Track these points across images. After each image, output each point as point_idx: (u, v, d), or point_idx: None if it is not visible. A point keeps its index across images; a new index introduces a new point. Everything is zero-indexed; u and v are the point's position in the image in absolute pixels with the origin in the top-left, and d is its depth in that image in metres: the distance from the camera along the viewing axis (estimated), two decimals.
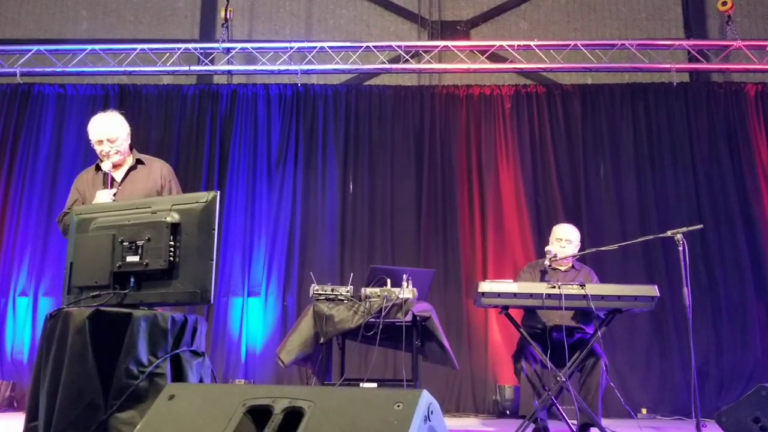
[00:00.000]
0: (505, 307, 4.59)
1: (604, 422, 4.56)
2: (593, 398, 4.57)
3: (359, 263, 7.36)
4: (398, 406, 2.09)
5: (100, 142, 3.99)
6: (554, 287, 4.39)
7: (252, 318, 7.37)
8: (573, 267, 5.18)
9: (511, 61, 7.71)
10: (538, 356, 4.61)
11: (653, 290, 4.38)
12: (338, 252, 7.53)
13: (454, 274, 7.43)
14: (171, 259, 2.75)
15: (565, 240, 5.11)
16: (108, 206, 3.12)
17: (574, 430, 4.69)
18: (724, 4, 7.61)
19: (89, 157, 7.70)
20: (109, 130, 4.01)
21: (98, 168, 4.03)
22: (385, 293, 4.48)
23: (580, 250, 5.28)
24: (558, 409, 4.68)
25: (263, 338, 7.33)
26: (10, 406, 6.89)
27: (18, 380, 7.10)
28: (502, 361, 7.07)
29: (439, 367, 5.28)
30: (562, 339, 4.57)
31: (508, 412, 6.76)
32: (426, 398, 2.15)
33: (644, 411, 6.81)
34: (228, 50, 7.80)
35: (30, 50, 7.78)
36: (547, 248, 5.10)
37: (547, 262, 5.03)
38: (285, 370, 6.54)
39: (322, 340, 4.49)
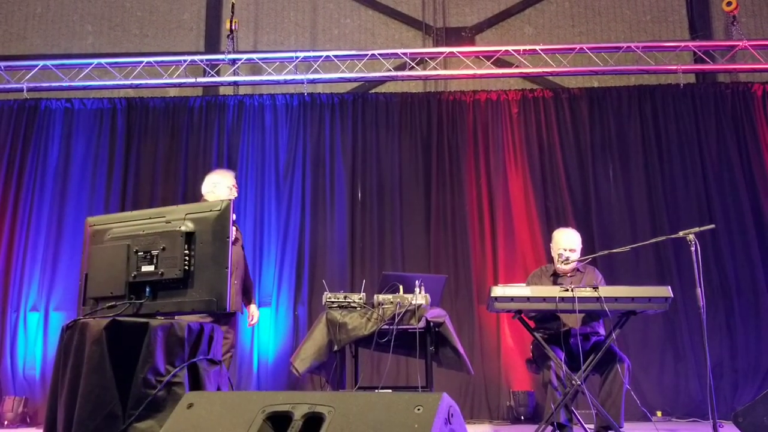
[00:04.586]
0: (519, 312, 4.58)
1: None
2: (615, 400, 4.52)
3: (369, 271, 7.34)
4: (418, 409, 2.08)
5: (235, 186, 4.98)
6: (567, 290, 4.36)
7: (263, 328, 7.35)
8: (577, 270, 5.13)
9: (517, 66, 7.72)
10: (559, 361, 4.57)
11: (667, 291, 4.35)
12: (348, 260, 7.51)
13: (465, 279, 7.40)
14: (186, 267, 2.75)
15: (569, 250, 5.03)
16: (122, 217, 3.12)
17: None
18: (729, 4, 7.60)
19: (98, 172, 7.77)
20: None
21: None
22: (398, 300, 4.47)
23: (590, 252, 5.25)
24: (574, 414, 4.65)
25: (275, 349, 7.31)
26: (23, 421, 6.88)
27: (31, 396, 7.10)
28: (515, 366, 7.04)
29: (452, 373, 5.27)
30: (578, 344, 4.55)
31: (522, 417, 6.72)
32: (446, 401, 2.14)
33: (659, 414, 6.77)
34: (234, 61, 7.82)
35: (36, 65, 7.82)
36: (558, 253, 5.06)
37: (559, 266, 5.01)
38: (298, 380, 6.51)
39: (335, 348, 4.47)
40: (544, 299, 4.40)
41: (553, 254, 5.18)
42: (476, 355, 7.07)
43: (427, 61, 7.99)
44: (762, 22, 8.29)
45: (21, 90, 7.73)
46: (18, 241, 7.63)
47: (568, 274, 5.06)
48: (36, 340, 7.37)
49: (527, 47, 7.69)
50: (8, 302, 7.47)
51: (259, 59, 7.89)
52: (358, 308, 4.53)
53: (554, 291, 4.40)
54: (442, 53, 7.84)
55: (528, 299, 4.41)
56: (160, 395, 2.60)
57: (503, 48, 7.72)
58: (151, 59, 7.81)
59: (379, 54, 7.76)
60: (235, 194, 4.92)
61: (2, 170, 7.82)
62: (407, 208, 7.68)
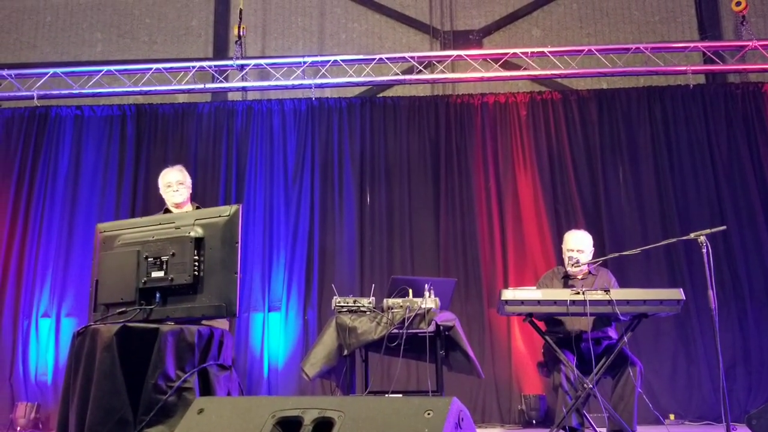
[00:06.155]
0: (529, 315, 4.55)
1: None
2: (627, 404, 4.49)
3: (379, 275, 7.33)
4: (429, 413, 2.08)
5: (178, 182, 4.53)
6: (578, 293, 4.34)
7: (273, 333, 7.36)
8: (590, 272, 5.09)
9: (525, 69, 7.70)
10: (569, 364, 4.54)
11: (679, 293, 4.32)
12: (357, 264, 7.51)
13: (475, 283, 7.39)
14: (195, 273, 2.76)
15: (577, 251, 5.00)
16: (132, 223, 3.13)
17: None
18: (738, 4, 7.55)
19: (108, 178, 7.81)
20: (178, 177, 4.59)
21: (166, 212, 4.50)
22: (408, 303, 4.45)
23: (600, 255, 5.21)
24: (586, 417, 4.62)
25: (285, 353, 7.31)
26: (35, 427, 6.90)
27: (42, 402, 7.11)
28: (526, 370, 7.02)
29: (462, 377, 5.24)
30: (589, 348, 4.52)
31: (534, 421, 6.70)
32: (456, 406, 2.13)
33: (672, 417, 6.73)
34: (242, 67, 7.83)
35: (46, 73, 7.85)
36: (567, 255, 5.04)
37: (569, 269, 4.98)
38: (308, 384, 6.52)
39: (345, 353, 4.46)
40: (555, 302, 4.37)
41: (563, 256, 5.16)
42: (487, 358, 7.05)
43: (434, 64, 7.98)
44: None
45: (31, 98, 7.77)
46: (29, 248, 7.67)
47: (580, 277, 5.03)
48: (48, 347, 7.40)
49: (535, 49, 7.66)
50: (20, 309, 7.50)
51: (267, 65, 7.91)
52: (368, 312, 4.52)
53: (565, 294, 4.38)
54: (449, 56, 7.82)
55: (539, 302, 4.39)
56: (171, 401, 2.61)
57: (511, 50, 7.69)
58: (160, 66, 7.83)
59: (386, 58, 7.76)
60: (177, 190, 4.50)
61: (13, 177, 7.86)
62: (416, 211, 7.67)
